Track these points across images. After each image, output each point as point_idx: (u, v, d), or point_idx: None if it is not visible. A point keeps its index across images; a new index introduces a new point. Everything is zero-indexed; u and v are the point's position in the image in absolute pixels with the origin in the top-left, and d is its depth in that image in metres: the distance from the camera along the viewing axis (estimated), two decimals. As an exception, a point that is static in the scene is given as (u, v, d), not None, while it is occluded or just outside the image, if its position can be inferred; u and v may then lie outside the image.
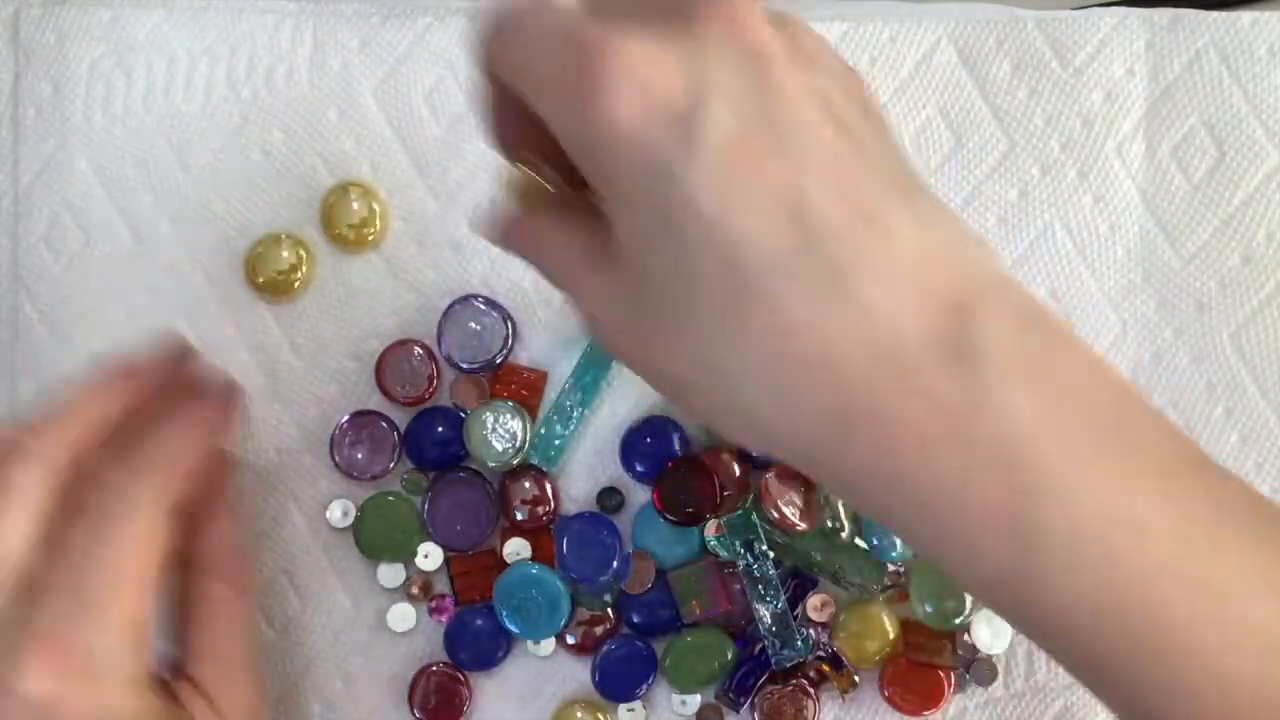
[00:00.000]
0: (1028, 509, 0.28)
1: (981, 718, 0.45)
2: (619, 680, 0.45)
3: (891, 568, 0.45)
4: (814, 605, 0.45)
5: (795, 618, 0.44)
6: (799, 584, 0.45)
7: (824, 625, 0.45)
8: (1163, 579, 0.27)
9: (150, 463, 0.38)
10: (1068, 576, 0.28)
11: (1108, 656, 0.28)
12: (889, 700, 0.45)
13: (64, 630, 0.35)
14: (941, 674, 0.45)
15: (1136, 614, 0.28)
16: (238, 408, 0.42)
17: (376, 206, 0.46)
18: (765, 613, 0.44)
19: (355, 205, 0.46)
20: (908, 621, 0.45)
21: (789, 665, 0.44)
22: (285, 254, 0.46)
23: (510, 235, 0.35)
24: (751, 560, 0.44)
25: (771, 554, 0.44)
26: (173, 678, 0.40)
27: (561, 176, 0.34)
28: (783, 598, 0.44)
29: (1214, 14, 0.45)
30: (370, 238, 0.47)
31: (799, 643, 0.44)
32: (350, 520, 0.46)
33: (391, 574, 0.46)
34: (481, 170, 0.47)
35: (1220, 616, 0.27)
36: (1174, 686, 0.28)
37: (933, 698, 0.45)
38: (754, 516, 0.44)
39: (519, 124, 0.33)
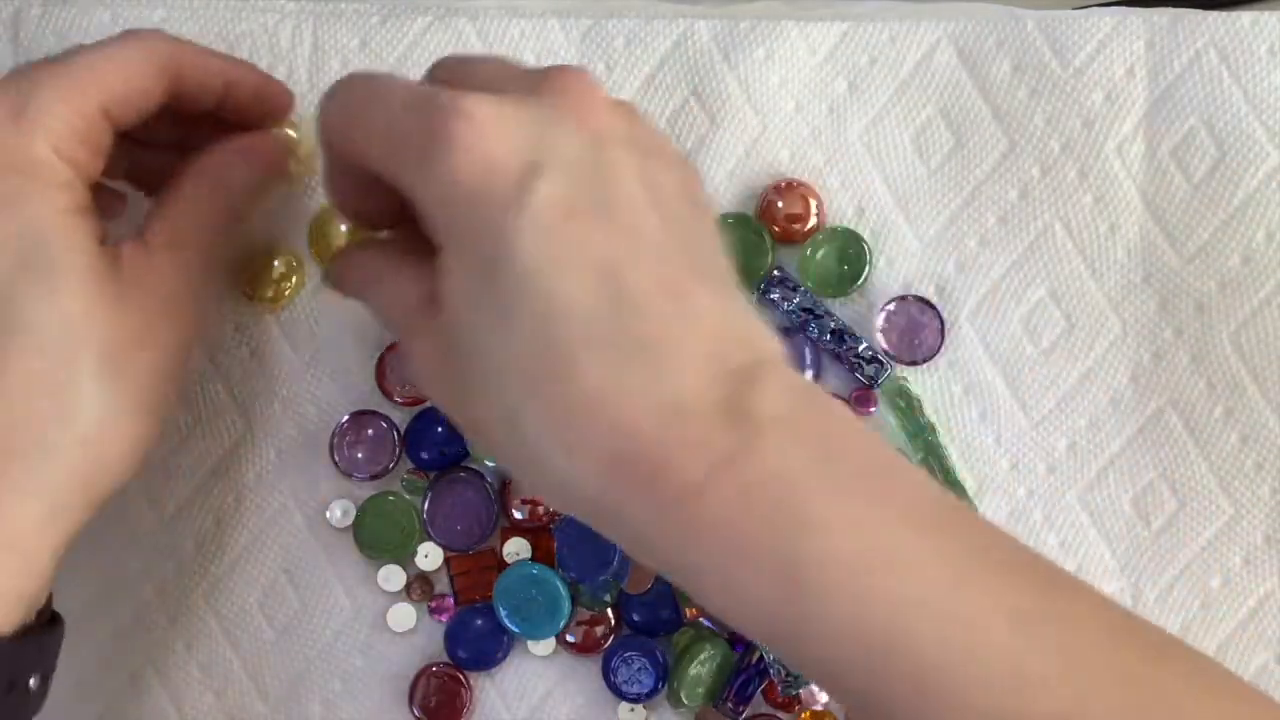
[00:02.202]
0: (792, 544, 0.29)
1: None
2: (630, 680, 0.45)
3: None
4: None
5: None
6: None
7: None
8: (916, 610, 0.29)
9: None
10: (830, 609, 0.29)
11: (871, 691, 0.29)
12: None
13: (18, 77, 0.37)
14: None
15: (892, 646, 0.29)
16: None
17: None
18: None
19: (345, 226, 0.46)
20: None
21: (795, 693, 0.44)
22: (276, 264, 0.46)
23: (346, 277, 0.38)
24: None
25: None
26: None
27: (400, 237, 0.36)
28: None
29: (1214, 14, 0.45)
30: None
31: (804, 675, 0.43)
32: (350, 520, 0.46)
33: (392, 576, 0.46)
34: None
35: (969, 645, 0.29)
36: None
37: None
38: None
39: (359, 189, 0.36)
